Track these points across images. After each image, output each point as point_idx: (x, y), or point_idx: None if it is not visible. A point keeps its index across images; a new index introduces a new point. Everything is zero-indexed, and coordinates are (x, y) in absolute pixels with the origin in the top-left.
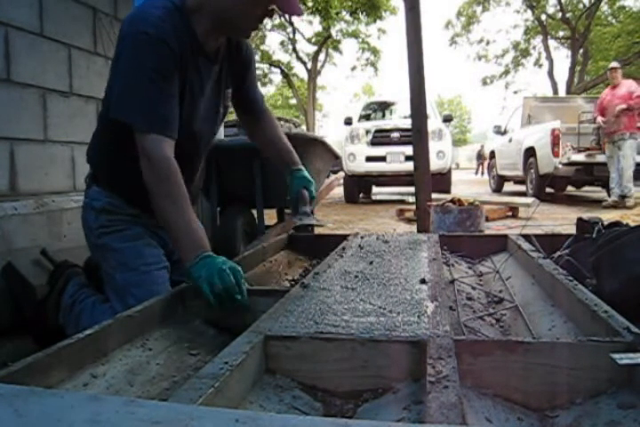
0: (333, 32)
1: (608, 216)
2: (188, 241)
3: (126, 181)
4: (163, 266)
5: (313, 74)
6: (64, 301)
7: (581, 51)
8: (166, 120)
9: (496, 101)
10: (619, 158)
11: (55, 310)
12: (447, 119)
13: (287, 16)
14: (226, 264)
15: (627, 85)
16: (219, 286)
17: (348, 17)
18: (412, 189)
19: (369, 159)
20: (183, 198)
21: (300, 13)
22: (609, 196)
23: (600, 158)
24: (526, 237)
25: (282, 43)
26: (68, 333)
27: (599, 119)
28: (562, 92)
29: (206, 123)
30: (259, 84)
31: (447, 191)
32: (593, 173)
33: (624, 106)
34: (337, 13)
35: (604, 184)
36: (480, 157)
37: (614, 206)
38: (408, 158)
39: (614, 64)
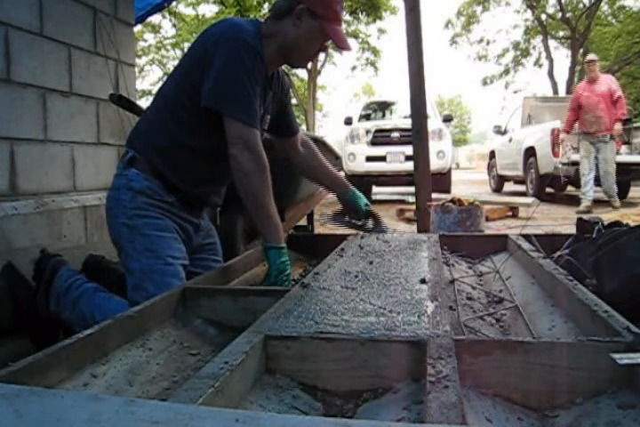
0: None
1: (608, 216)
2: (274, 227)
3: (179, 167)
4: (184, 263)
5: (313, 74)
6: (56, 287)
7: (581, 51)
8: (259, 118)
9: (496, 101)
10: (597, 160)
11: (45, 299)
12: (447, 119)
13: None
14: (289, 269)
15: (606, 82)
16: (281, 279)
17: (348, 17)
18: (412, 189)
19: (369, 159)
20: (271, 188)
21: (350, 49)
22: (605, 199)
23: None
24: (526, 237)
25: None
26: (64, 317)
27: (562, 136)
28: (562, 92)
29: None
30: None
31: (447, 191)
32: None
33: (621, 126)
34: None
35: None
36: None
37: (588, 212)
38: (408, 158)
39: (592, 56)
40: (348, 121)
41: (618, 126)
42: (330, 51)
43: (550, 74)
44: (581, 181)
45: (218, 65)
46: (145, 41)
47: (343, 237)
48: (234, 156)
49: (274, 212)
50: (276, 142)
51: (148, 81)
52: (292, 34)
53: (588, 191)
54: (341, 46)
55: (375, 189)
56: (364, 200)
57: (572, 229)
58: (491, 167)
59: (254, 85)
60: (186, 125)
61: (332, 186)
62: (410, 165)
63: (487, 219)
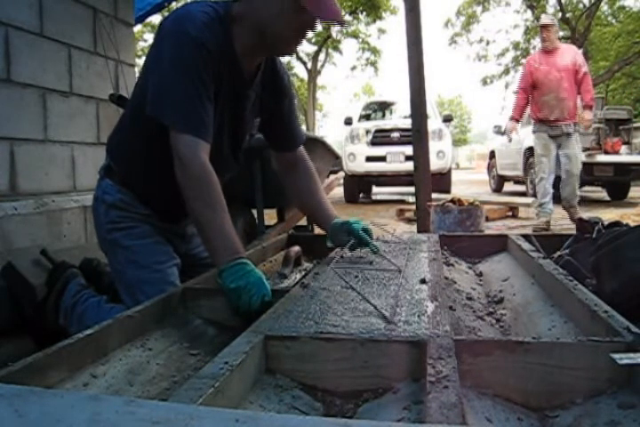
0: (333, 32)
1: (608, 216)
2: (221, 243)
3: (143, 179)
4: (174, 263)
5: (313, 74)
6: (65, 301)
7: (581, 51)
8: (203, 122)
9: (496, 101)
10: (558, 159)
11: (54, 312)
12: (447, 119)
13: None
14: (257, 280)
15: (570, 53)
16: (245, 303)
17: (347, 17)
18: (412, 189)
19: (369, 159)
20: (217, 201)
21: (341, 21)
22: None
23: (600, 158)
24: (526, 237)
25: None
26: (72, 332)
27: (510, 126)
28: None
29: (226, 143)
30: None
31: (447, 191)
32: (593, 173)
33: (591, 115)
34: None
35: (604, 184)
36: None
37: (546, 229)
38: (408, 158)
39: (547, 20)
40: (348, 121)
41: (588, 115)
42: (330, 51)
43: None
44: (537, 187)
45: (157, 68)
46: (145, 41)
47: None
48: (175, 169)
49: (214, 227)
50: (272, 155)
51: None
52: (263, 14)
53: (548, 203)
54: (325, 17)
55: (375, 189)
56: (359, 226)
57: (572, 229)
58: (491, 167)
59: (198, 84)
60: (149, 133)
61: (321, 218)
62: (410, 165)
63: (487, 219)
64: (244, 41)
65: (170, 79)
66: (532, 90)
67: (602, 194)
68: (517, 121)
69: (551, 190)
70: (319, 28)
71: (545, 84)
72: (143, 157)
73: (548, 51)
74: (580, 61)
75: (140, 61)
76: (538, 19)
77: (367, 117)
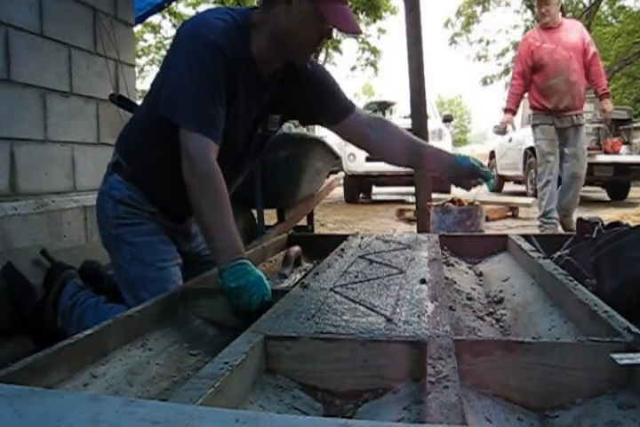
0: (334, 32)
1: (608, 216)
2: (223, 242)
3: (154, 178)
4: (177, 262)
5: None
6: (62, 303)
7: None
8: (213, 124)
9: (496, 101)
10: (562, 157)
11: (53, 314)
12: (447, 119)
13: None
14: (257, 280)
15: (576, 28)
16: (245, 302)
17: None
18: (412, 189)
19: (369, 159)
20: (222, 201)
21: (358, 31)
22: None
23: (600, 158)
24: (526, 237)
25: None
26: (71, 333)
27: (506, 118)
28: None
29: (238, 142)
30: None
31: (447, 191)
32: (593, 173)
33: (610, 104)
34: None
35: (604, 184)
36: None
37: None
38: None
39: None
40: None
41: (609, 105)
42: (330, 51)
43: None
44: (541, 193)
45: (172, 69)
46: (145, 41)
47: (343, 237)
48: (182, 168)
49: (217, 226)
50: (338, 132)
51: (148, 81)
52: (283, 22)
53: (554, 211)
54: (344, 28)
55: (375, 189)
56: (476, 161)
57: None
58: (491, 167)
59: (212, 88)
60: (161, 133)
61: (432, 162)
62: None
63: (487, 219)
64: (261, 46)
65: (184, 81)
66: (531, 74)
67: (602, 194)
68: (514, 113)
69: (556, 194)
70: (333, 35)
71: (551, 66)
72: (155, 156)
73: (549, 27)
74: (588, 39)
75: (141, 61)
76: (538, 19)
77: None
